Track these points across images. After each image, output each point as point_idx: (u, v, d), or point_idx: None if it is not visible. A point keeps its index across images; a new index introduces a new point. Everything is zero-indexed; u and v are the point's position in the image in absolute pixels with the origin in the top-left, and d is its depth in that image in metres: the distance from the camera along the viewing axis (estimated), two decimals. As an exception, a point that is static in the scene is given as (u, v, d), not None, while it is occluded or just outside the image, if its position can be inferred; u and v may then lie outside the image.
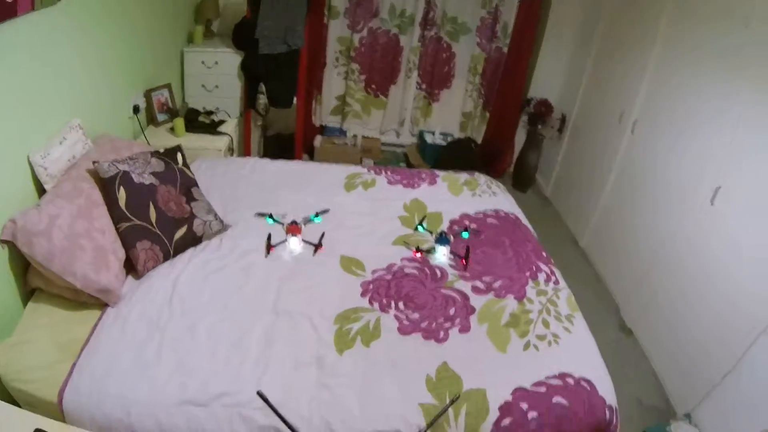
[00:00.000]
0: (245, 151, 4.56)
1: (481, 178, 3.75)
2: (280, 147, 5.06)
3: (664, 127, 3.48)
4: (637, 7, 3.98)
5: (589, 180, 4.46)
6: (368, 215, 3.17)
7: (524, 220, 3.32)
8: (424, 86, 5.36)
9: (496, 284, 2.67)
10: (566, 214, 4.92)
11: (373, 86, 5.30)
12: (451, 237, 2.95)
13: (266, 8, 3.98)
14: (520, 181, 5.37)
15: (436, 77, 5.31)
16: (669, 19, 3.54)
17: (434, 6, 4.95)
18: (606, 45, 4.45)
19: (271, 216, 2.98)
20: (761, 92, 2.65)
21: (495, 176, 4.97)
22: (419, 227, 3.09)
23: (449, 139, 5.37)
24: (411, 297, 2.52)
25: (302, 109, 4.88)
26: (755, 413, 2.45)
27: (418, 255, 2.83)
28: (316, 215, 3.06)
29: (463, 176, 3.74)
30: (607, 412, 2.11)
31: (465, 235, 3.05)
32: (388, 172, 3.71)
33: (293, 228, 2.82)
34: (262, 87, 4.43)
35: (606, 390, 2.17)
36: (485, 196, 3.52)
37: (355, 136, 5.44)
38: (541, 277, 2.78)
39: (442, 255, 2.84)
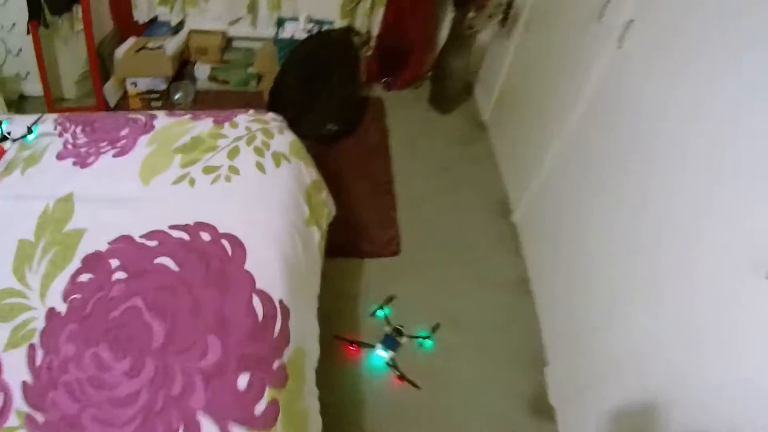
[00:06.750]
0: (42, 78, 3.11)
1: (251, 125, 1.96)
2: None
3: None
4: None
5: (547, 104, 2.52)
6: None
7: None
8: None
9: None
10: (502, 148, 3.08)
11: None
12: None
13: None
14: (441, 97, 3.44)
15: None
16: None
17: None
18: None
19: None
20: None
21: (402, 88, 3.47)
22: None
23: (320, 29, 3.38)
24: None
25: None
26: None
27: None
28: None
29: (204, 124, 1.93)
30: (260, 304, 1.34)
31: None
32: (80, 129, 1.95)
33: None
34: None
35: (261, 263, 1.42)
36: (221, 183, 1.71)
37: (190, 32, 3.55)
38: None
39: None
